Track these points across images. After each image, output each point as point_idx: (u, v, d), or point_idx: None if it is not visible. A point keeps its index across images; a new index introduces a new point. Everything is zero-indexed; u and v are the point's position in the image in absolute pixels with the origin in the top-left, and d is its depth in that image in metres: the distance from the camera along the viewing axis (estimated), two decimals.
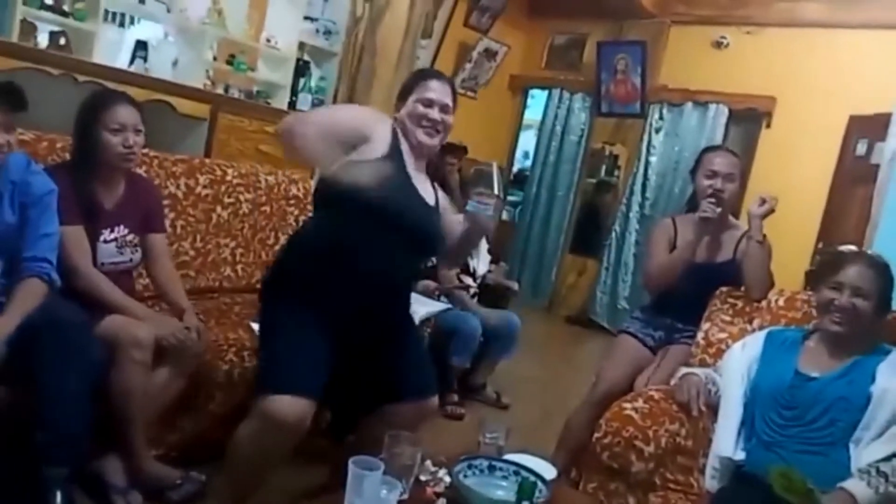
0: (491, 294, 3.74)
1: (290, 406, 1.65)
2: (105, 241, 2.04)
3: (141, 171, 2.33)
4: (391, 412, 1.88)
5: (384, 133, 1.87)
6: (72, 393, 1.69)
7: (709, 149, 2.61)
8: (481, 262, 3.64)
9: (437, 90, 1.93)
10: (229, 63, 3.82)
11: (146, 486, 1.94)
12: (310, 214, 2.26)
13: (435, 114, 1.92)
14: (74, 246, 1.95)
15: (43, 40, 3.08)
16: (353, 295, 1.79)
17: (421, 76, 2.00)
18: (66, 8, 3.05)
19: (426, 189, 1.96)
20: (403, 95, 1.97)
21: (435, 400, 2.01)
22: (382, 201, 1.70)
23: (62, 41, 3.11)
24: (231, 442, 1.74)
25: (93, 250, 2.01)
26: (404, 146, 1.91)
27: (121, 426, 1.92)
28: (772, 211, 2.32)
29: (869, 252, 1.88)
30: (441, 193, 2.04)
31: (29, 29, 2.95)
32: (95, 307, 1.92)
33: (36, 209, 1.83)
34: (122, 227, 2.08)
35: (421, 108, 1.91)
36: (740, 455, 1.83)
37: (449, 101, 1.95)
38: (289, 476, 1.95)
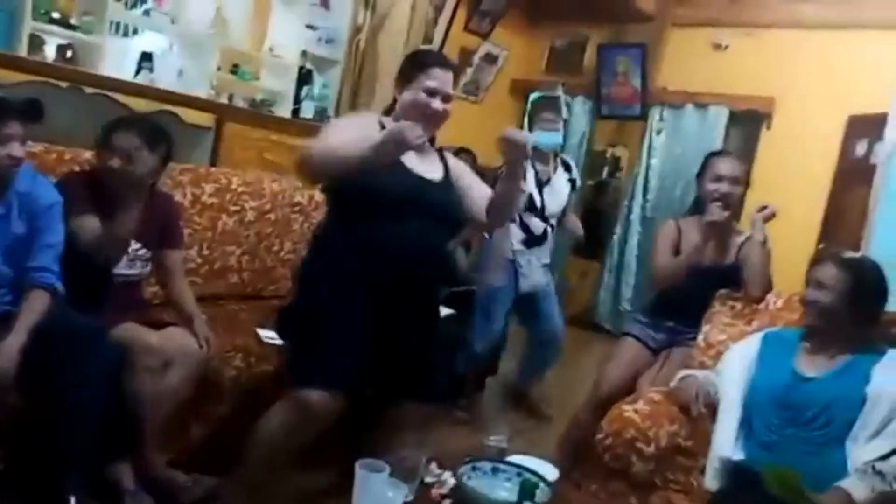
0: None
1: (328, 401, 1.70)
2: None
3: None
4: (399, 411, 1.91)
5: (374, 129, 1.86)
6: (83, 401, 1.73)
7: (714, 153, 2.64)
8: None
9: (440, 79, 1.91)
10: (233, 72, 3.86)
11: (158, 490, 1.98)
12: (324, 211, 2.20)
13: (438, 104, 1.91)
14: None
15: (50, 53, 3.14)
16: (381, 278, 1.82)
17: (425, 62, 1.95)
18: (73, 21, 3.10)
19: (431, 167, 1.95)
20: (405, 78, 1.95)
21: (445, 404, 2.04)
22: (376, 187, 1.76)
23: (69, 54, 3.16)
24: (259, 424, 1.79)
25: None
26: None
27: (132, 431, 1.96)
28: (772, 216, 2.36)
29: (845, 254, 1.93)
30: (454, 162, 2.04)
31: (37, 42, 3.00)
32: (110, 312, 1.96)
33: (42, 220, 1.87)
34: (135, 242, 2.12)
35: (424, 98, 1.90)
36: (739, 455, 1.86)
37: (451, 89, 1.94)
38: (298, 477, 1.98)
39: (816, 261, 1.94)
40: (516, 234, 3.28)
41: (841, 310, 1.84)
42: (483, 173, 4.85)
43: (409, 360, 1.93)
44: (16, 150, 1.76)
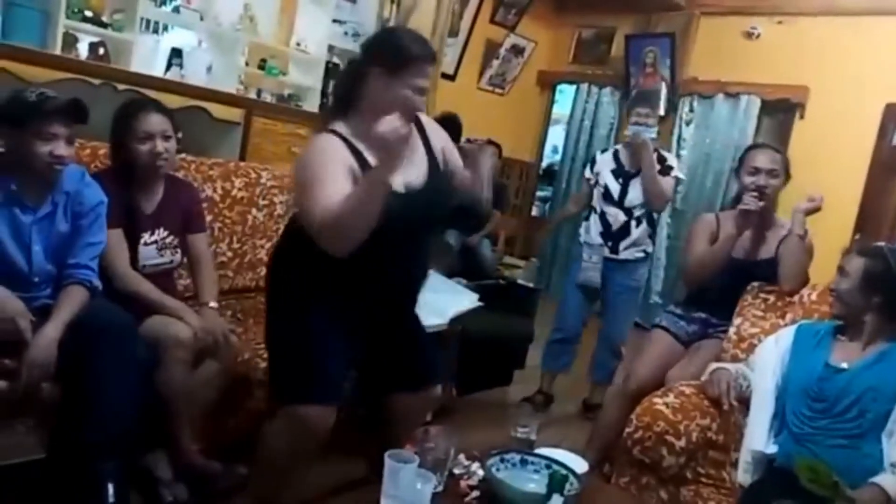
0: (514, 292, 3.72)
1: (320, 415, 1.68)
2: (145, 244, 2.12)
3: (179, 174, 2.40)
4: (394, 401, 1.90)
5: (348, 155, 1.66)
6: (120, 391, 1.76)
7: (752, 146, 2.61)
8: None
9: (429, 76, 1.72)
10: (261, 67, 3.89)
11: (191, 478, 2.02)
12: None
13: (420, 103, 1.71)
14: (113, 249, 2.02)
15: (83, 50, 3.19)
16: (369, 287, 1.75)
17: (413, 54, 1.68)
18: (104, 19, 3.15)
19: (413, 166, 1.72)
20: (387, 69, 1.66)
21: (436, 389, 1.99)
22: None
23: (101, 51, 3.22)
24: (259, 443, 1.78)
25: (134, 252, 2.09)
26: (360, 144, 1.68)
27: (167, 422, 2.00)
28: (817, 209, 2.32)
29: (877, 244, 1.90)
30: (441, 148, 1.82)
31: (70, 40, 3.05)
32: (137, 308, 2.00)
33: (87, 219, 1.91)
34: (161, 229, 2.15)
35: (411, 97, 1.68)
36: (772, 448, 1.83)
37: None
38: (327, 470, 2.01)
39: (847, 252, 1.92)
40: (595, 226, 3.29)
41: (860, 297, 1.82)
42: (509, 165, 4.82)
43: (400, 353, 1.91)
44: (61, 149, 1.79)
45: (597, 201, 3.31)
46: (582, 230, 3.38)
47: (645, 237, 3.27)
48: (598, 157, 3.40)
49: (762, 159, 2.44)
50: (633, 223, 3.23)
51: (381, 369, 1.91)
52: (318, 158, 1.65)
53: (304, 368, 1.72)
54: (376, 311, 1.82)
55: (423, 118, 1.85)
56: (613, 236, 3.25)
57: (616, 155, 3.31)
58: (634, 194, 3.21)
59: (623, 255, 3.26)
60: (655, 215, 3.33)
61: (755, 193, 2.38)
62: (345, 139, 1.69)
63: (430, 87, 1.77)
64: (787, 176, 2.47)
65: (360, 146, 1.69)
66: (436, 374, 1.99)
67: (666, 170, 3.21)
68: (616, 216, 3.24)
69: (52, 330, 1.76)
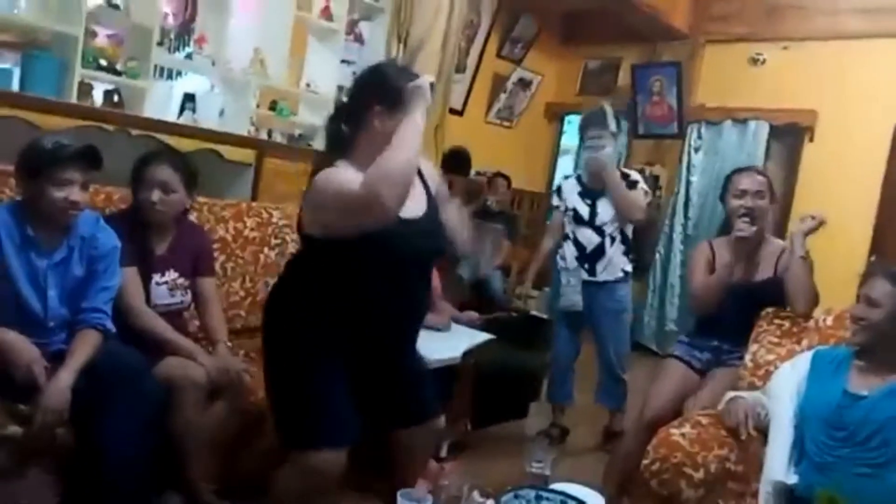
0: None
1: (335, 460, 1.67)
2: (157, 284, 2.16)
3: (192, 216, 2.44)
4: (397, 437, 1.88)
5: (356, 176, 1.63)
6: (133, 433, 1.77)
7: (736, 170, 2.61)
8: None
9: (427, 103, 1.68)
10: (272, 109, 3.96)
11: None
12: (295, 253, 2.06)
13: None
14: (129, 286, 2.06)
15: (98, 98, 3.27)
16: (370, 322, 1.73)
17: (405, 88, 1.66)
18: (119, 67, 3.23)
19: (412, 198, 1.69)
20: (394, 103, 1.67)
21: (440, 420, 1.94)
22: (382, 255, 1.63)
23: (115, 98, 3.29)
24: (272, 489, 1.76)
25: (146, 292, 2.13)
26: None
27: (179, 462, 2.00)
28: (818, 227, 2.31)
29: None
30: (436, 191, 1.85)
31: (86, 89, 3.13)
32: (150, 349, 2.02)
33: (102, 263, 1.94)
34: (172, 270, 2.20)
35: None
36: (793, 478, 1.79)
37: None
38: None
39: (867, 276, 1.88)
40: (570, 250, 3.29)
41: (886, 324, 1.78)
42: (520, 197, 4.78)
43: (398, 388, 1.88)
44: (75, 194, 1.84)
45: (568, 226, 3.31)
46: (558, 258, 3.37)
47: (620, 256, 3.26)
48: (563, 183, 3.43)
49: (747, 181, 2.46)
50: (608, 242, 3.23)
51: (380, 406, 1.87)
52: (336, 177, 1.64)
53: (310, 412, 1.69)
54: (375, 346, 1.80)
55: (426, 175, 1.84)
56: (589, 258, 3.24)
57: (579, 179, 3.34)
58: (604, 211, 3.22)
59: (602, 277, 3.25)
60: (629, 233, 3.30)
61: (746, 218, 2.39)
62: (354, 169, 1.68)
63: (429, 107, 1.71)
64: (772, 196, 2.48)
65: None
66: (436, 406, 1.95)
67: (631, 185, 3.23)
68: (589, 238, 3.23)
69: (66, 376, 1.77)
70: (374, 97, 1.71)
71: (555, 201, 3.41)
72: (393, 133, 1.61)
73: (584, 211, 3.25)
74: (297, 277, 1.80)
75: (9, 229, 1.82)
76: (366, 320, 1.73)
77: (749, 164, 4.93)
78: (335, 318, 1.71)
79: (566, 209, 3.32)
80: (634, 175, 3.33)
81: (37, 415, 1.72)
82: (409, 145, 1.57)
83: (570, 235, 3.30)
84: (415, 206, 1.74)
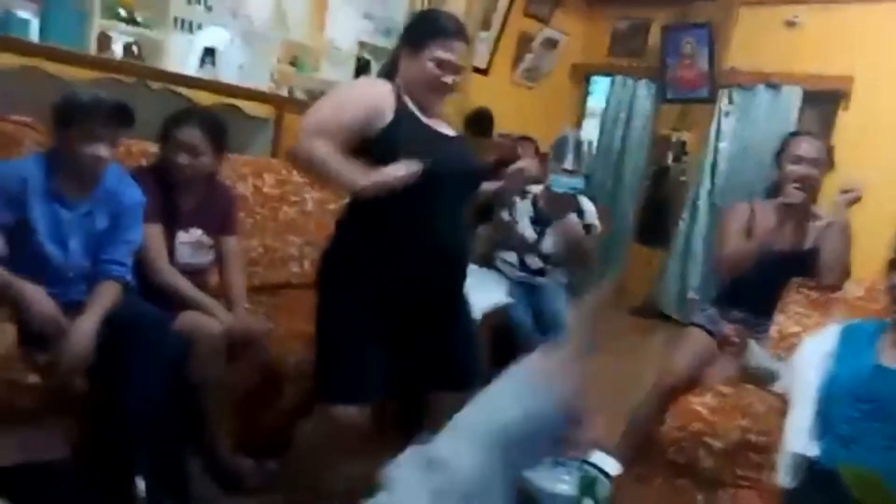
0: None
1: (359, 415, 1.69)
2: (181, 242, 2.15)
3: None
4: (434, 400, 1.86)
5: (386, 99, 1.70)
6: (154, 385, 1.78)
7: (794, 134, 2.52)
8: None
9: (456, 51, 1.70)
10: (293, 64, 3.91)
11: (223, 475, 2.03)
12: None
13: (449, 78, 1.72)
14: (154, 243, 2.05)
15: (118, 50, 3.24)
16: (418, 264, 1.73)
17: (439, 28, 1.71)
18: (138, 18, 3.19)
19: (447, 127, 1.80)
20: (412, 43, 1.71)
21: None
22: (426, 169, 1.60)
23: (135, 50, 3.26)
24: (296, 440, 1.80)
25: (170, 250, 2.12)
26: (411, 104, 1.73)
27: (198, 419, 2.01)
28: (858, 199, 2.23)
29: None
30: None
31: (105, 41, 3.10)
32: (170, 306, 2.02)
33: (125, 218, 1.95)
34: (197, 227, 2.18)
35: (436, 71, 1.70)
36: (814, 451, 1.76)
37: (462, 60, 1.74)
38: (360, 466, 1.99)
39: None
40: (514, 263, 3.12)
41: None
42: (543, 159, 4.56)
43: (448, 347, 1.85)
44: (102, 150, 1.83)
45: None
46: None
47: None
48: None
49: (806, 147, 2.36)
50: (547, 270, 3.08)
51: (422, 366, 1.84)
52: (352, 90, 1.76)
53: (341, 367, 1.72)
54: (423, 295, 1.77)
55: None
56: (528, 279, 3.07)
57: (535, 201, 3.08)
58: (548, 241, 3.04)
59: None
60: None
61: (798, 185, 2.30)
62: (397, 91, 1.71)
63: (461, 65, 1.73)
64: (831, 164, 2.38)
65: (410, 106, 1.72)
66: (480, 376, 1.95)
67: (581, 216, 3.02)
68: (533, 261, 3.08)
69: (89, 322, 1.79)
70: (404, 38, 1.78)
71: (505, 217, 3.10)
72: (413, 75, 1.70)
73: (531, 236, 3.04)
74: (342, 231, 1.82)
75: (35, 180, 1.83)
76: (408, 260, 1.72)
77: (782, 131, 4.80)
78: (379, 262, 1.71)
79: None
80: (589, 209, 3.09)
81: (61, 358, 1.73)
82: (330, 169, 1.64)
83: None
84: (449, 131, 1.80)
